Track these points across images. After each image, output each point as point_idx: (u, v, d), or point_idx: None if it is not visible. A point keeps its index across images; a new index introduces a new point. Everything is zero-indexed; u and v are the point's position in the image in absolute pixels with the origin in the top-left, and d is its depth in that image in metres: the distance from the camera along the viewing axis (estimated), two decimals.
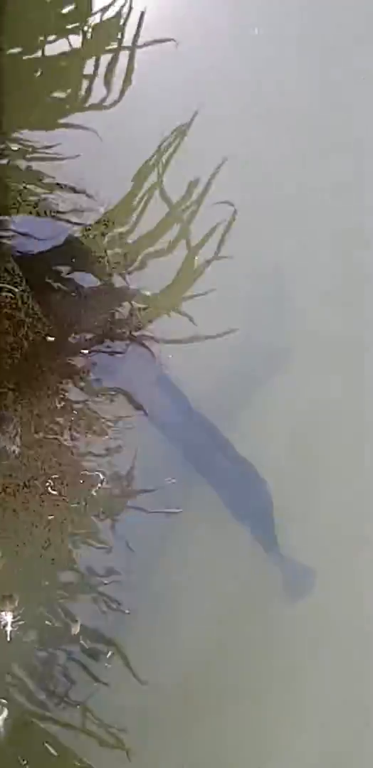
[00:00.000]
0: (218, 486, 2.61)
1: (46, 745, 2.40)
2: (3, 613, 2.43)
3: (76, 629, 2.48)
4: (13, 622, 2.43)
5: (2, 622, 2.43)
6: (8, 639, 2.42)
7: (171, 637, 2.54)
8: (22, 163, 2.79)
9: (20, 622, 2.44)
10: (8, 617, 2.43)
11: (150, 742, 2.46)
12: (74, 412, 2.63)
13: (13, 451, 2.56)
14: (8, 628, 2.42)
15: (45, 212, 2.77)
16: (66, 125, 2.82)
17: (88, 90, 2.86)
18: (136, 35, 2.92)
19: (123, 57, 2.90)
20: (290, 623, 2.58)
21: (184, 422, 2.66)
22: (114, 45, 2.91)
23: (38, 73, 2.87)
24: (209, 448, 2.65)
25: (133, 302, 2.72)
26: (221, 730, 2.50)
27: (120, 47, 2.92)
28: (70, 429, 2.63)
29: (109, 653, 2.47)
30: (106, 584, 2.53)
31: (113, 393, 2.65)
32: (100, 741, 2.42)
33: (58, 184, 2.77)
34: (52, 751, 2.39)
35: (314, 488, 2.66)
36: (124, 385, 2.67)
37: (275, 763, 2.48)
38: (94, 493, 2.58)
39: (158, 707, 2.48)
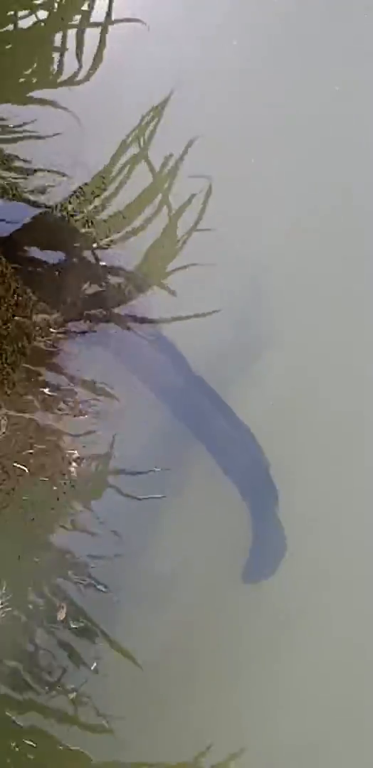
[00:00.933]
0: (215, 449, 2.58)
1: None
2: None
3: (62, 615, 2.42)
4: (1, 608, 2.36)
5: None
6: None
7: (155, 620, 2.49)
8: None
9: (8, 609, 2.37)
10: None
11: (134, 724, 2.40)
12: (55, 393, 2.57)
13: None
14: None
15: (14, 195, 2.70)
16: (40, 101, 2.76)
17: (60, 67, 2.81)
18: (108, 13, 2.87)
19: (95, 36, 2.86)
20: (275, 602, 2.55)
21: (183, 383, 2.62)
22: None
23: (8, 47, 2.81)
24: (208, 410, 2.62)
25: (113, 278, 2.66)
26: (203, 710, 2.45)
27: (88, 23, 2.87)
28: (50, 410, 2.56)
29: (94, 665, 2.41)
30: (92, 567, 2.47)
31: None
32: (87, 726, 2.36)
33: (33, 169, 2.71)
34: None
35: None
36: (119, 351, 2.62)
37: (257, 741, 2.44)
38: (75, 475, 2.52)
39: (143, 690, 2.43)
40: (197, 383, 2.62)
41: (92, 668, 2.38)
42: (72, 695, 2.36)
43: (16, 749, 2.30)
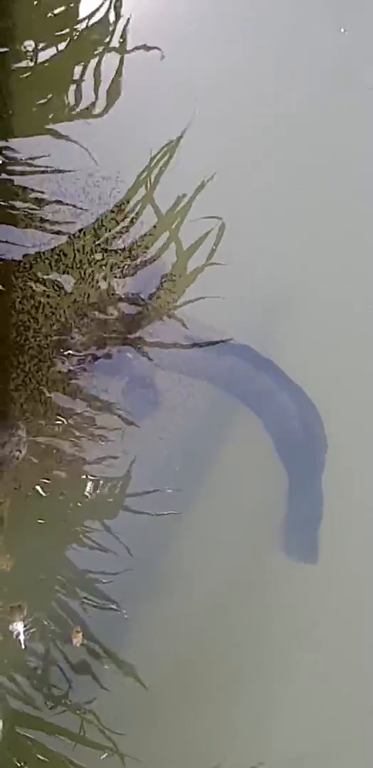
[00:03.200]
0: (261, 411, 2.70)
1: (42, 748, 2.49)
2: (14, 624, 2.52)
3: (78, 639, 2.55)
4: (24, 631, 2.52)
5: (15, 632, 2.52)
6: (23, 647, 2.50)
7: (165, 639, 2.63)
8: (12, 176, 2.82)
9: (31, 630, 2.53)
10: (20, 626, 2.51)
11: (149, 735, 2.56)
12: (73, 416, 2.71)
13: (17, 457, 2.63)
14: (21, 638, 2.51)
15: (28, 225, 2.80)
16: (55, 134, 2.84)
17: (77, 99, 2.88)
18: (123, 42, 2.93)
19: (111, 65, 2.92)
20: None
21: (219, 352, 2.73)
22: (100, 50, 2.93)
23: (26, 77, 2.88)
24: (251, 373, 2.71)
25: (128, 306, 2.79)
26: (208, 730, 2.59)
27: (105, 51, 2.93)
28: (68, 433, 2.70)
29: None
30: (105, 583, 2.62)
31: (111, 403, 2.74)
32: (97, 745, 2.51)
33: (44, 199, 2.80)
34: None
35: None
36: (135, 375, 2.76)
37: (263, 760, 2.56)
38: (91, 496, 2.67)
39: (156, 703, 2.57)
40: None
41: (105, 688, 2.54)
42: (78, 712, 2.51)
43: (24, 766, 2.47)
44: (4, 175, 2.81)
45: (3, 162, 2.81)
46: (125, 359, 2.78)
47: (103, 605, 2.60)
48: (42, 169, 2.81)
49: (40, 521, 2.63)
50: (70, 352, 2.75)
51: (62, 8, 2.93)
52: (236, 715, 2.58)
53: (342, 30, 2.97)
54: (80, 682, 2.54)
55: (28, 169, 2.80)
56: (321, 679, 2.61)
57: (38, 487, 2.65)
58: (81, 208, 2.80)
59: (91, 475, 2.68)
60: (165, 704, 2.56)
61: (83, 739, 2.50)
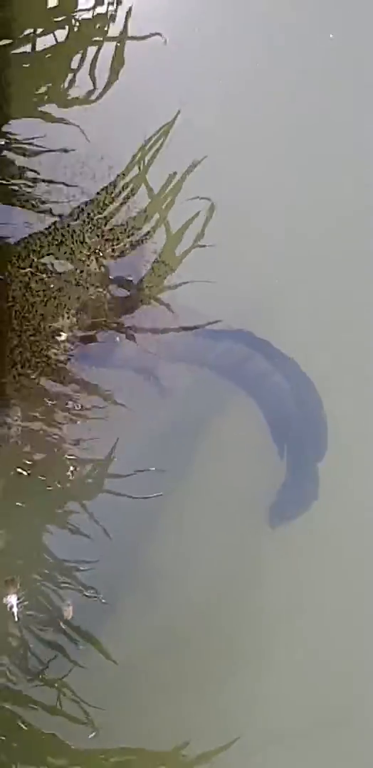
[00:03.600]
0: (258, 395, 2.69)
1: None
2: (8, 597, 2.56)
3: (68, 614, 2.57)
4: (18, 604, 2.56)
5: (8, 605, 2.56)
6: (16, 619, 2.54)
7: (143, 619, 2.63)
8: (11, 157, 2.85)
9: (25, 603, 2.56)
10: (13, 599, 2.55)
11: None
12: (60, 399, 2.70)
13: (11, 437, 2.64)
14: (15, 610, 2.54)
15: (23, 204, 2.81)
16: (51, 118, 2.86)
17: (75, 85, 2.91)
18: (124, 30, 2.95)
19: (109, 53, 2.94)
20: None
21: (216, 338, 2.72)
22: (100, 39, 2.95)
23: (26, 66, 2.92)
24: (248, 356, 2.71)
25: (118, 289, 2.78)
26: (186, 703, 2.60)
27: (105, 40, 2.96)
28: (55, 416, 2.69)
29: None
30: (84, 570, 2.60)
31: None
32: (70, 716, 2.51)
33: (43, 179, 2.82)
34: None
35: None
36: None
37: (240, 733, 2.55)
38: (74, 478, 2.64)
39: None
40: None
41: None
42: (56, 686, 2.51)
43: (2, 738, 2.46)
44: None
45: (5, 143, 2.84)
46: (117, 344, 2.76)
47: (83, 590, 2.60)
48: (37, 150, 2.83)
49: (20, 504, 2.62)
50: (61, 336, 2.74)
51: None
52: (217, 690, 2.60)
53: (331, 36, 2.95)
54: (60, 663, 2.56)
55: (23, 149, 2.83)
56: (308, 659, 2.61)
57: (22, 469, 2.63)
58: (75, 187, 2.81)
59: (76, 458, 2.67)
60: (146, 683, 2.58)
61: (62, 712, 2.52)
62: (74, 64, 2.94)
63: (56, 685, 2.51)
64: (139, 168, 2.82)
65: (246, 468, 2.71)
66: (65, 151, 2.85)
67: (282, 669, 2.60)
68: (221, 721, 2.59)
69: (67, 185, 2.81)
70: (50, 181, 2.81)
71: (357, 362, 2.75)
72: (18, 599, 2.55)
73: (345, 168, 2.84)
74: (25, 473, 2.65)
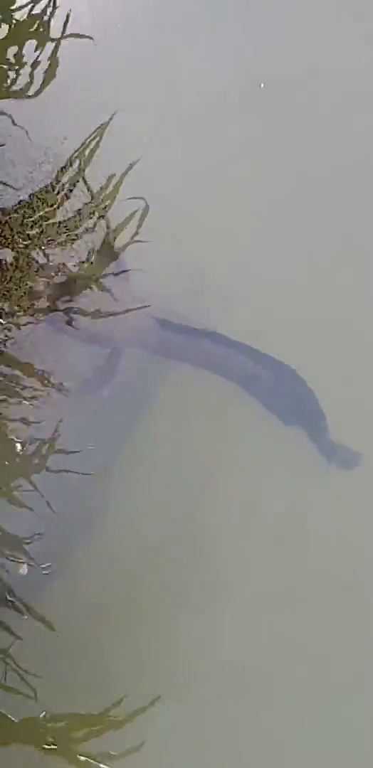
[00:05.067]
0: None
1: None
2: None
3: (24, 570, 2.72)
4: None
5: None
6: None
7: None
8: None
9: None
10: None
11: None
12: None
13: None
14: None
15: None
16: None
17: (13, 80, 3.02)
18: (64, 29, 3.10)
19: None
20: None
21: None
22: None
23: None
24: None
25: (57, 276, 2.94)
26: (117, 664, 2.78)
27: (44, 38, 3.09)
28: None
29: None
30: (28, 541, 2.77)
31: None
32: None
33: None
34: None
35: None
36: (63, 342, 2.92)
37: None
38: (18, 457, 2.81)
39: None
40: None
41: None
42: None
43: None
44: None
45: None
46: (55, 325, 2.94)
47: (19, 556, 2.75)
48: None
49: None
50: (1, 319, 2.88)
51: None
52: (145, 650, 2.79)
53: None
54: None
55: None
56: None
57: None
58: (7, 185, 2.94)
59: (21, 437, 2.83)
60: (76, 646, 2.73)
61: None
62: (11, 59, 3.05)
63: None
64: (80, 166, 2.98)
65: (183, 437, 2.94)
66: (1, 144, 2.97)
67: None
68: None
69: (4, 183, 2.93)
70: None
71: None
72: None
73: (281, 158, 3.12)
74: None
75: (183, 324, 2.94)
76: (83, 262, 2.96)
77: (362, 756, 2.72)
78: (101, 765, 2.65)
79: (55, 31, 3.12)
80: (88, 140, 3.00)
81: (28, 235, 2.92)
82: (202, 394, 2.96)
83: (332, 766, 2.71)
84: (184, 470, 2.92)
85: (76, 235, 2.96)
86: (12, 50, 3.08)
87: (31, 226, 2.93)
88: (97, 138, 3.00)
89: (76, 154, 2.99)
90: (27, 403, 2.85)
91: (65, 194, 2.97)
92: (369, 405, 2.97)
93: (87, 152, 3.00)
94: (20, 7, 3.10)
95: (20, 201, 2.94)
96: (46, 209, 2.95)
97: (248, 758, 2.72)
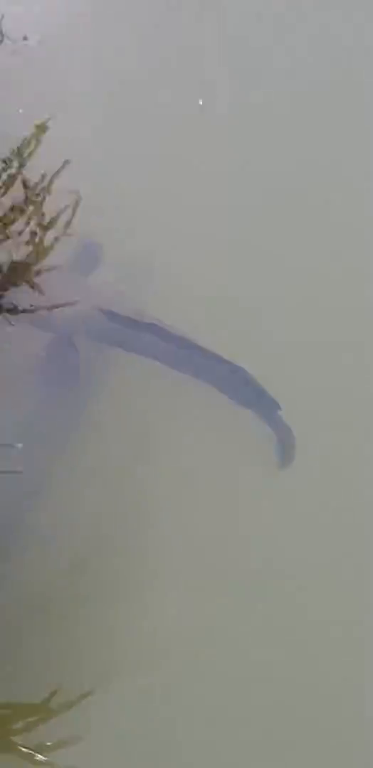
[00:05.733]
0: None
1: None
2: None
3: None
4: None
5: None
6: None
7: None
8: None
9: None
10: None
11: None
12: None
13: None
14: None
15: None
16: None
17: None
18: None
19: None
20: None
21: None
22: None
23: None
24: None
25: None
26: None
27: None
28: None
29: None
30: None
31: None
32: None
33: None
34: None
35: None
36: None
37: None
38: None
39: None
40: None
41: None
42: None
43: None
44: None
45: None
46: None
47: None
48: None
49: None
50: None
51: None
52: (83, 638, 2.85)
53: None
54: None
55: None
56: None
57: None
58: None
59: None
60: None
61: None
62: None
63: None
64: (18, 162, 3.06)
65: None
66: None
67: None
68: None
69: None
70: None
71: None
72: None
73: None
74: None
75: (130, 315, 3.02)
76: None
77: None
78: (38, 756, 2.64)
79: None
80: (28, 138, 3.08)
81: None
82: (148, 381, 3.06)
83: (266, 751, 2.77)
84: (123, 457, 3.01)
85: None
86: None
87: None
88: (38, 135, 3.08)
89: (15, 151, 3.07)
90: None
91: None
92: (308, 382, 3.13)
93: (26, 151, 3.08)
94: None
95: None
96: None
97: (184, 747, 2.75)
